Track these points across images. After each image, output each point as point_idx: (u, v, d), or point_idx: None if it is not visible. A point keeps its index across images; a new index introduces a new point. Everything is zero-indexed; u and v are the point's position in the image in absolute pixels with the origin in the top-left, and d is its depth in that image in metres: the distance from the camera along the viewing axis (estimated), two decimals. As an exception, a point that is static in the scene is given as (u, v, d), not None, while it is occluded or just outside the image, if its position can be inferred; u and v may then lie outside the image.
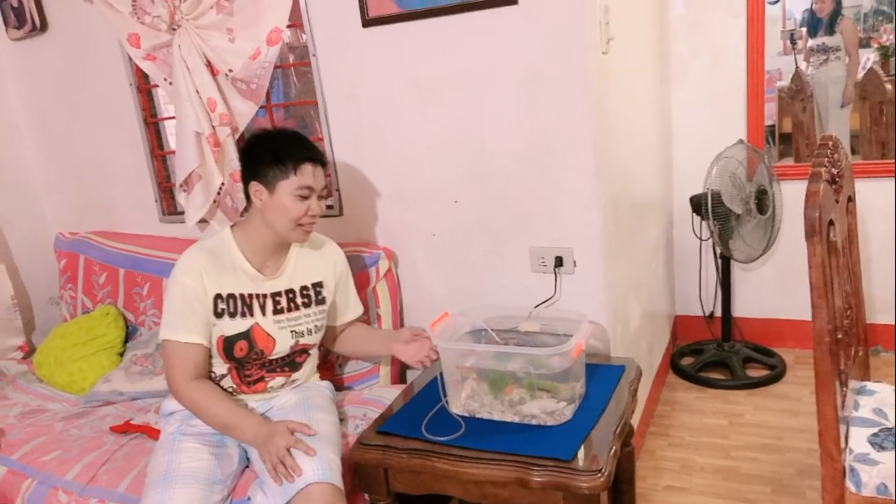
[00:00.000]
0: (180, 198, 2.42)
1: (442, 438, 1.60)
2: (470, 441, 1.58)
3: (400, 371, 2.20)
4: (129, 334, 2.49)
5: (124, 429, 2.00)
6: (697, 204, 2.78)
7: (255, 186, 1.67)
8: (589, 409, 1.66)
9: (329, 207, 2.23)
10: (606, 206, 1.93)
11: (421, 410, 1.74)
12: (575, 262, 1.94)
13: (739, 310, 3.03)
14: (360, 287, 2.07)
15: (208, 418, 1.64)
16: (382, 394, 1.98)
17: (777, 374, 2.80)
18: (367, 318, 2.09)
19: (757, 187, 2.73)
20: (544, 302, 1.99)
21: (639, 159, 2.48)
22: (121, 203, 2.68)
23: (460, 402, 1.71)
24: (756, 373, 2.82)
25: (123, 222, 2.69)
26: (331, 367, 2.11)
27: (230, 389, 1.75)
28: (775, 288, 3.00)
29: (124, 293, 2.53)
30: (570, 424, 1.60)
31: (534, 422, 1.62)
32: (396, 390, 1.95)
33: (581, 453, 1.50)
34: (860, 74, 2.85)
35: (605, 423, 1.61)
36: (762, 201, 2.73)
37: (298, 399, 1.77)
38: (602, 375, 1.82)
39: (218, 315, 1.68)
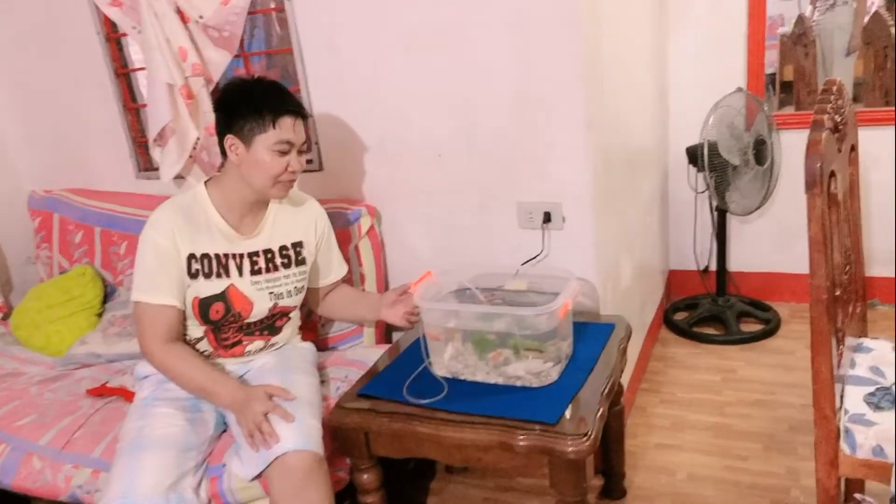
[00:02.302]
0: (154, 153, 2.32)
1: (424, 401, 1.54)
2: (453, 404, 1.53)
3: (385, 331, 2.14)
4: (108, 294, 2.42)
5: (100, 392, 1.94)
6: (693, 155, 2.69)
7: (230, 140, 1.58)
8: (576, 370, 1.61)
9: (308, 162, 2.13)
10: (597, 158, 1.84)
11: (404, 372, 1.68)
12: (564, 217, 1.87)
13: (735, 264, 2.97)
14: (342, 245, 1.99)
15: (183, 382, 1.59)
16: (366, 354, 1.92)
17: (772, 328, 2.75)
18: (351, 277, 2.02)
19: (755, 137, 2.63)
20: (532, 259, 1.92)
21: (633, 109, 2.38)
22: (95, 159, 2.58)
23: (444, 363, 1.65)
24: (751, 328, 2.77)
25: (99, 179, 2.59)
26: (314, 327, 2.05)
27: (206, 353, 1.69)
28: (772, 241, 2.93)
29: (101, 252, 2.45)
30: (556, 386, 1.55)
31: (519, 383, 1.57)
32: (381, 350, 1.90)
33: (567, 416, 1.44)
34: (866, 19, 2.72)
35: (592, 385, 1.56)
36: (760, 152, 2.64)
37: (278, 361, 1.72)
38: (591, 334, 1.76)
39: (192, 275, 1.60)
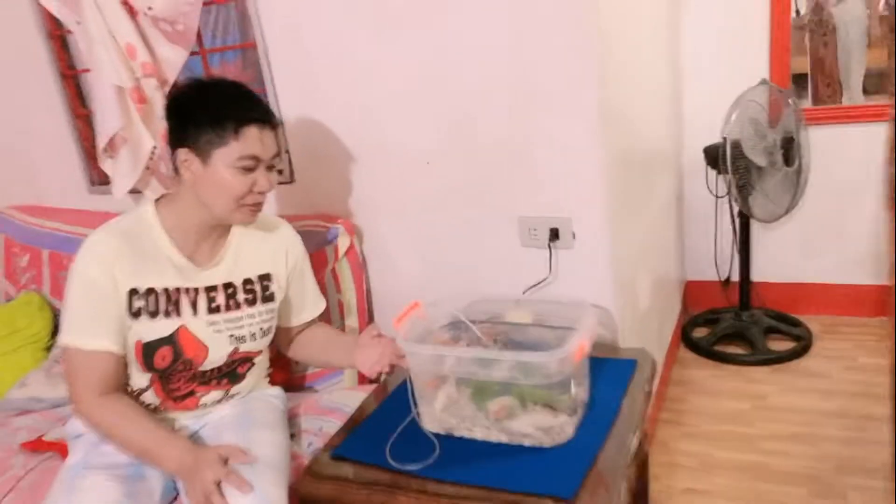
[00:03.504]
0: (105, 165, 2.04)
1: (410, 467, 1.27)
2: (445, 470, 1.25)
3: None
4: (57, 326, 2.14)
5: (35, 446, 1.66)
6: (713, 155, 2.41)
7: (183, 155, 1.29)
8: (595, 423, 1.33)
9: (278, 173, 1.85)
10: (613, 163, 1.57)
11: (389, 424, 1.41)
12: (574, 234, 1.59)
13: (759, 274, 2.68)
14: (317, 269, 1.71)
15: (121, 443, 1.31)
16: (345, 399, 1.64)
17: (803, 346, 2.48)
18: (327, 305, 1.74)
19: (782, 134, 2.36)
20: (537, 284, 1.64)
21: (647, 104, 2.10)
22: (43, 172, 2.30)
23: (435, 415, 1.38)
24: (779, 345, 2.50)
25: (48, 194, 2.31)
26: (285, 365, 1.77)
27: (152, 405, 1.41)
28: (800, 249, 2.66)
29: (50, 278, 2.17)
30: (571, 445, 1.27)
31: (527, 442, 1.29)
32: (364, 393, 1.62)
33: (586, 487, 1.17)
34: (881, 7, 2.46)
35: (615, 441, 1.28)
36: (788, 151, 2.37)
37: (238, 414, 1.44)
38: (609, 374, 1.48)
39: (133, 315, 1.32)
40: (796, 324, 2.61)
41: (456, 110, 1.61)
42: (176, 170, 1.34)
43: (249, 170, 1.29)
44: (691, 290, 2.85)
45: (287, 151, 1.84)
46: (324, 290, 1.69)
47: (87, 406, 1.31)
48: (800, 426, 2.07)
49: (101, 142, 1.97)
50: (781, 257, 2.69)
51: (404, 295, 1.65)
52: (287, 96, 1.79)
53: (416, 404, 1.40)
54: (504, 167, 1.61)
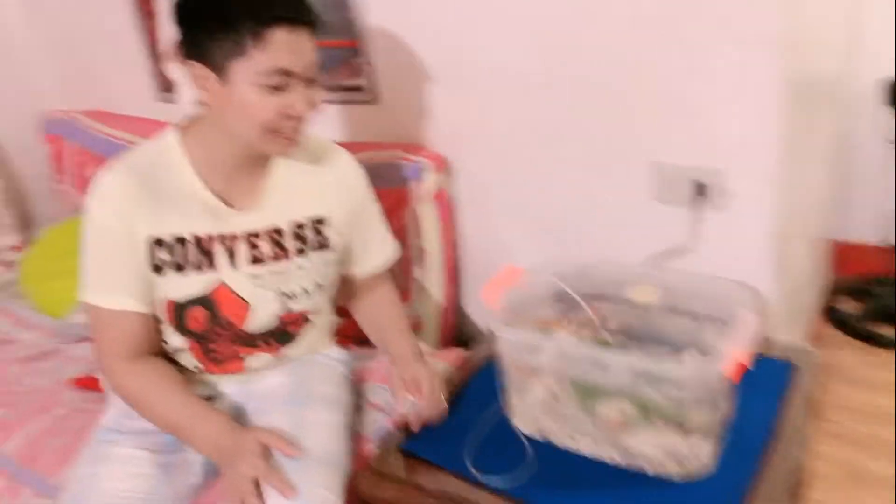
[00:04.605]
0: (171, 69, 1.81)
1: (495, 481, 1.01)
2: (539, 491, 0.99)
3: (455, 325, 1.59)
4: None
5: (86, 385, 1.52)
6: (894, 91, 1.93)
7: (196, 69, 1.00)
8: (740, 448, 1.02)
9: (357, 91, 1.56)
10: (788, 100, 1.17)
11: (471, 413, 1.15)
12: (726, 190, 1.22)
13: (931, 239, 2.20)
14: (397, 208, 1.44)
15: (150, 416, 1.11)
16: (423, 366, 1.38)
17: (983, 332, 2.02)
18: (408, 255, 1.47)
19: None
20: (670, 252, 1.30)
21: (825, 19, 1.64)
22: (111, 74, 2.10)
23: (529, 413, 1.10)
24: (950, 330, 2.05)
25: (117, 98, 2.12)
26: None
27: (194, 368, 1.19)
28: None
29: (118, 192, 2.00)
30: (708, 481, 0.97)
31: (648, 468, 1.00)
32: (446, 363, 1.36)
33: (730, 548, 0.87)
34: None
35: (768, 479, 0.97)
36: None
37: (290, 384, 1.21)
38: (760, 379, 1.13)
39: (156, 269, 1.08)
40: (975, 304, 2.13)
41: (575, 21, 1.24)
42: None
43: (279, 88, 0.99)
44: (841, 254, 2.39)
45: (369, 64, 1.53)
46: (402, 235, 1.42)
47: (112, 372, 1.11)
48: (977, 438, 1.67)
49: (167, 42, 1.73)
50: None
51: (499, 250, 1.37)
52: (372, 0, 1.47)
53: (506, 394, 1.12)
54: (633, 96, 1.25)
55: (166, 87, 1.99)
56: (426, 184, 1.46)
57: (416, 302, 1.54)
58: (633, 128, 1.28)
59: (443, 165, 1.49)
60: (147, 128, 1.98)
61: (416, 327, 1.52)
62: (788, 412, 1.10)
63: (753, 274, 1.23)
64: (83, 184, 2.10)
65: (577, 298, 1.13)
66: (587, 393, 1.05)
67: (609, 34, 1.22)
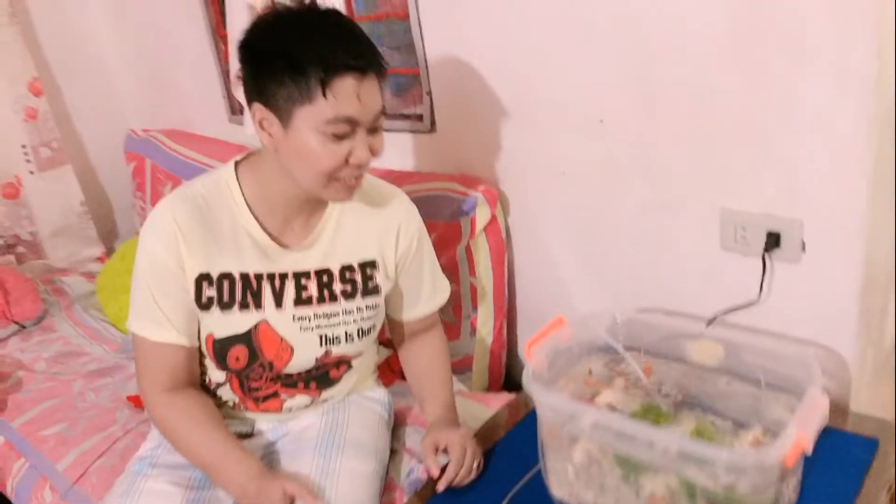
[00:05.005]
0: (237, 93, 1.83)
1: (522, 555, 0.93)
2: (570, 574, 0.90)
3: (506, 366, 1.52)
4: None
5: (140, 404, 1.55)
6: None
7: (259, 113, 0.99)
8: (804, 543, 0.90)
9: (414, 119, 1.52)
10: (881, 143, 1.04)
11: (508, 468, 1.08)
12: (804, 243, 1.10)
13: None
14: (449, 243, 1.39)
15: (183, 450, 1.10)
16: (466, 409, 1.32)
17: None
18: (458, 290, 1.42)
19: None
20: (737, 307, 1.18)
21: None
22: (189, 95, 2.17)
23: (566, 478, 1.02)
24: None
25: (195, 119, 2.19)
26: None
27: (231, 403, 1.18)
28: None
29: (188, 211, 2.05)
30: (765, 576, 0.86)
31: (693, 554, 0.90)
32: (493, 407, 1.30)
33: None
34: None
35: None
36: None
37: (325, 426, 1.17)
38: (837, 455, 1.02)
39: (203, 306, 1.07)
40: None
41: (643, 53, 1.16)
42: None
43: (342, 137, 0.96)
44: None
45: (429, 93, 1.50)
46: (454, 270, 1.37)
47: (151, 402, 1.11)
48: None
49: (234, 66, 1.75)
50: None
51: (555, 291, 1.30)
52: (433, 29, 1.43)
53: (542, 456, 1.05)
54: (706, 137, 1.14)
55: (237, 109, 2.03)
56: (480, 218, 1.40)
57: (466, 340, 1.49)
58: (703, 169, 1.17)
59: (496, 199, 1.42)
60: (217, 149, 2.04)
61: (464, 365, 1.47)
62: (867, 497, 0.96)
63: (829, 332, 1.10)
64: (157, 201, 2.17)
65: (629, 359, 1.05)
66: (631, 465, 0.96)
67: (683, 67, 1.12)
